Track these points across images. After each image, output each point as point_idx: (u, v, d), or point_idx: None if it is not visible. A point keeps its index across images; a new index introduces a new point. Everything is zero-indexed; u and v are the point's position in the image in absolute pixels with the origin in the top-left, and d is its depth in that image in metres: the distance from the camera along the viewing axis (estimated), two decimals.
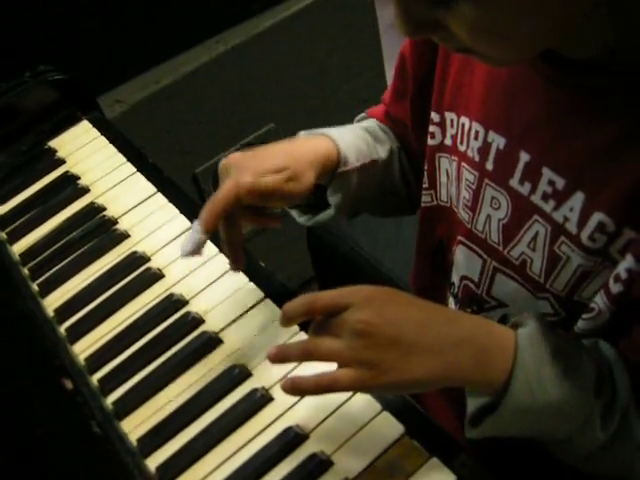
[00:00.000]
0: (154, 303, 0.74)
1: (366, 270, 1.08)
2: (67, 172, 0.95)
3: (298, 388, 0.54)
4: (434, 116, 0.70)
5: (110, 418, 0.65)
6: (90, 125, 1.02)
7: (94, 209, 0.88)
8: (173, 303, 0.73)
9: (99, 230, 0.85)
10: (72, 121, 1.03)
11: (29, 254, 0.86)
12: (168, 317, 0.72)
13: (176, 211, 0.84)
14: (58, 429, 0.66)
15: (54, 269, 0.82)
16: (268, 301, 0.71)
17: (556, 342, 0.53)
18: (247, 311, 0.70)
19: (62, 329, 0.75)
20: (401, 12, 0.48)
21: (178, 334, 0.70)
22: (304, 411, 0.61)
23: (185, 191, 0.89)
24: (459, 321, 0.54)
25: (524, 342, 0.52)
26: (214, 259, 0.76)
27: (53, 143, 1.01)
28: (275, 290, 0.72)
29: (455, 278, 0.74)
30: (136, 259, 0.79)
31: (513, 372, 0.51)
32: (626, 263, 0.53)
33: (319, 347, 0.53)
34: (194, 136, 1.41)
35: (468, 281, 0.71)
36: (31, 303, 0.79)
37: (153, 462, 0.61)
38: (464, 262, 0.71)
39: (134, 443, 0.63)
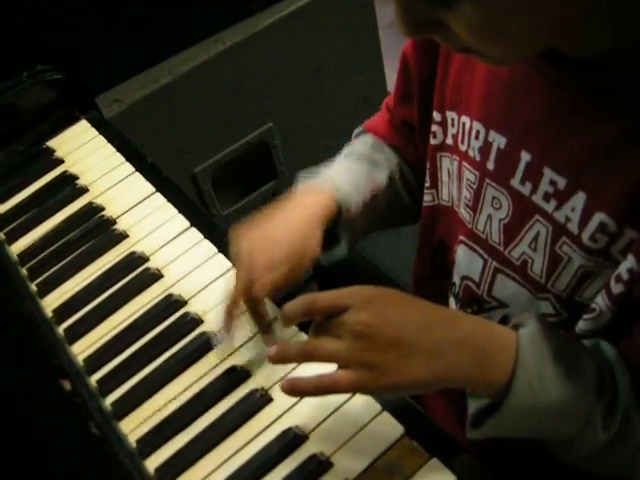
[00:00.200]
0: (153, 303, 0.74)
1: (365, 269, 1.08)
2: (65, 172, 0.95)
3: (297, 389, 0.54)
4: (436, 115, 0.70)
5: (109, 419, 0.65)
6: (88, 125, 1.02)
7: (93, 209, 0.88)
8: (172, 303, 0.73)
9: (98, 230, 0.85)
10: (70, 121, 1.03)
11: (27, 254, 0.85)
12: (167, 317, 0.72)
13: (175, 211, 0.84)
14: (56, 430, 0.66)
15: (52, 269, 0.82)
16: (267, 301, 0.70)
17: (557, 343, 0.53)
18: (246, 311, 0.70)
19: (60, 329, 0.75)
20: (401, 12, 0.48)
21: (177, 334, 0.70)
22: (304, 412, 0.61)
23: (184, 191, 0.89)
24: (459, 322, 0.54)
25: (525, 343, 0.52)
26: (212, 259, 0.76)
27: (51, 143, 1.01)
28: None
29: (456, 278, 0.73)
30: (135, 259, 0.79)
31: (515, 373, 0.51)
32: (627, 263, 0.53)
33: (319, 348, 0.53)
34: (193, 135, 1.41)
35: (469, 281, 0.71)
36: (29, 303, 0.79)
37: (152, 463, 0.61)
38: (465, 262, 0.70)
39: (133, 444, 0.63)
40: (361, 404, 0.59)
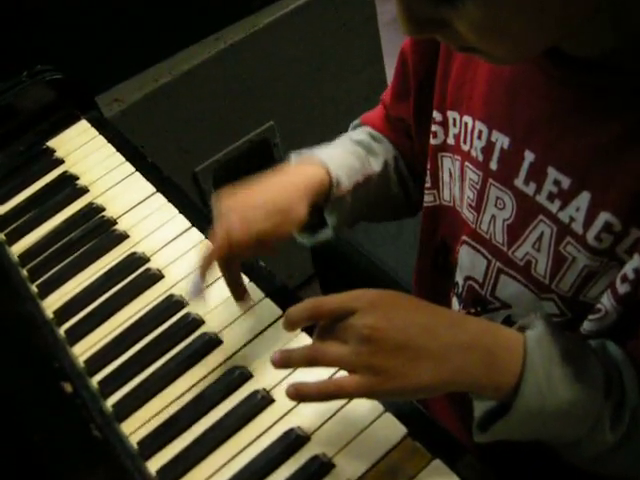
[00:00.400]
0: (154, 304, 0.74)
1: (367, 269, 1.08)
2: (66, 172, 0.95)
3: (302, 394, 0.53)
4: (436, 115, 0.70)
5: (110, 421, 0.65)
6: (89, 124, 1.01)
7: (93, 209, 0.88)
8: (173, 304, 0.73)
9: (98, 231, 0.85)
10: (70, 121, 1.02)
11: (28, 255, 0.85)
12: (168, 318, 0.72)
13: (175, 211, 0.83)
14: (57, 432, 0.66)
15: (53, 270, 0.82)
16: (268, 301, 0.70)
17: (564, 344, 0.53)
18: (247, 311, 0.70)
19: (61, 331, 0.74)
20: (403, 10, 0.47)
21: (178, 335, 0.70)
22: (306, 413, 0.60)
23: (185, 190, 0.89)
24: (465, 325, 0.53)
25: (533, 344, 0.52)
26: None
27: (51, 143, 1.01)
28: (275, 290, 0.71)
29: (459, 278, 0.73)
30: (135, 260, 0.79)
31: (523, 375, 0.51)
32: (633, 263, 0.53)
33: (324, 352, 0.52)
34: (193, 134, 1.41)
35: (472, 282, 0.70)
36: (30, 305, 0.78)
37: (154, 465, 0.61)
38: (468, 262, 0.70)
39: (134, 446, 0.62)
40: (363, 405, 0.59)
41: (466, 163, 0.67)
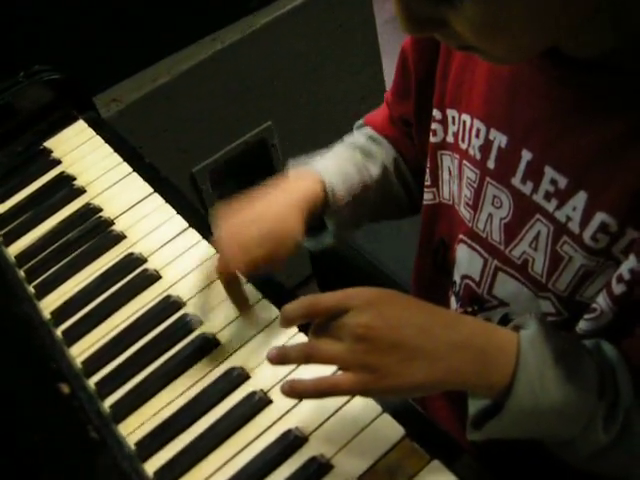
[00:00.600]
0: (151, 305, 0.74)
1: (365, 268, 1.08)
2: (63, 173, 0.94)
3: (297, 391, 0.54)
4: (436, 113, 0.70)
5: (107, 422, 0.65)
6: (86, 125, 1.01)
7: (90, 210, 0.87)
8: (170, 305, 0.73)
9: (95, 231, 0.84)
10: (68, 121, 1.02)
11: (25, 256, 0.85)
12: (166, 319, 0.72)
13: (173, 211, 0.83)
14: (55, 434, 0.65)
15: (50, 271, 0.81)
16: (266, 302, 0.70)
17: (558, 344, 0.53)
18: (244, 312, 0.69)
19: (58, 332, 0.74)
20: (402, 9, 0.47)
21: (175, 336, 0.70)
22: (303, 413, 0.60)
23: (182, 191, 0.88)
24: (460, 324, 0.54)
25: (526, 344, 0.52)
26: (210, 261, 0.76)
27: (49, 143, 1.01)
28: (273, 290, 0.71)
29: (456, 277, 0.73)
30: (133, 260, 0.79)
31: (516, 374, 0.51)
32: (629, 263, 0.53)
33: (320, 350, 0.52)
34: (191, 135, 1.41)
35: (469, 280, 0.71)
36: (27, 306, 0.78)
37: (151, 466, 0.61)
38: (465, 261, 0.70)
39: (132, 447, 0.62)
40: (361, 406, 0.59)
41: (464, 161, 0.67)
